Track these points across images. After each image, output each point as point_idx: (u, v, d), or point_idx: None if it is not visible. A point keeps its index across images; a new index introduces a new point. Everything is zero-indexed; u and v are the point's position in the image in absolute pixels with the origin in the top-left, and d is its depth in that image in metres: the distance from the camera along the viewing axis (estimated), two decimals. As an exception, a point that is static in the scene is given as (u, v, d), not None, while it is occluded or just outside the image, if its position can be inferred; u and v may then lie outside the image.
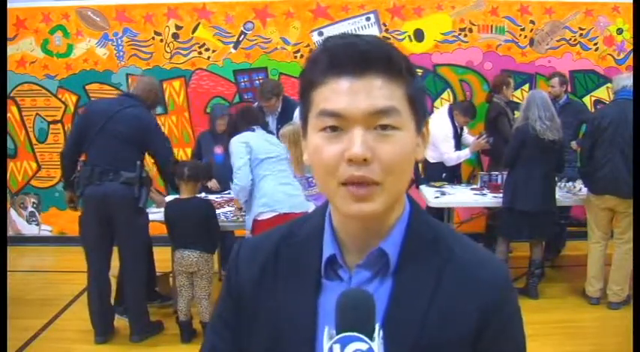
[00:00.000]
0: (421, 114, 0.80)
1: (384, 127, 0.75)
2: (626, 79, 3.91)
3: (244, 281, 0.89)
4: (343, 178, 0.74)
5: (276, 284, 0.86)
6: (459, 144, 4.82)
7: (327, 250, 0.83)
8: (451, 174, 4.86)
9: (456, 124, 4.82)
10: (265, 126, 3.76)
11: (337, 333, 0.68)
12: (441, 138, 4.69)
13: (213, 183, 4.42)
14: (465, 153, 4.74)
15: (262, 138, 3.44)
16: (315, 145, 0.77)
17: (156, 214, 3.72)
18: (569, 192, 4.34)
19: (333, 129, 0.75)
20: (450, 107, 4.90)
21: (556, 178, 4.20)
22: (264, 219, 3.27)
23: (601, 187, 3.86)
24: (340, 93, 0.75)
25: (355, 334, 0.67)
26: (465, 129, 4.99)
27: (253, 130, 3.45)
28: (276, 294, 0.86)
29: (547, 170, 3.98)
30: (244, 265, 0.91)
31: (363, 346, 0.66)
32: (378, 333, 0.68)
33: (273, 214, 3.23)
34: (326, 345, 0.68)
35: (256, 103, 4.64)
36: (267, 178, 3.32)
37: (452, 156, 4.71)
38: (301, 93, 0.81)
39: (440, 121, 4.79)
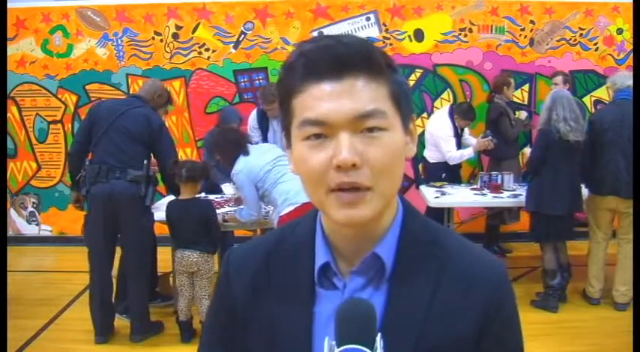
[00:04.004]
0: (407, 111, 0.77)
1: (371, 130, 0.71)
2: (629, 79, 3.88)
3: (236, 292, 0.87)
4: (333, 185, 0.71)
5: (270, 294, 0.83)
6: (459, 145, 4.81)
7: (320, 258, 0.80)
8: (451, 175, 4.86)
9: (456, 125, 4.81)
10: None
11: (338, 345, 0.66)
12: (442, 138, 4.70)
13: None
14: (468, 152, 4.71)
15: (256, 154, 3.42)
16: (301, 155, 0.74)
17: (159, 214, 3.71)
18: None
19: (318, 136, 0.72)
20: (451, 108, 4.89)
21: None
22: (287, 212, 3.25)
23: (603, 188, 3.85)
24: (321, 100, 0.71)
25: (357, 346, 0.65)
26: (466, 130, 4.98)
27: (247, 154, 3.41)
28: (269, 305, 0.83)
29: (572, 171, 3.81)
30: (235, 276, 0.88)
31: None
32: (379, 343, 0.66)
33: (294, 206, 3.20)
34: None
35: (258, 107, 4.63)
36: (282, 178, 3.33)
37: (455, 154, 4.70)
38: (280, 102, 0.77)
39: (440, 121, 4.79)
